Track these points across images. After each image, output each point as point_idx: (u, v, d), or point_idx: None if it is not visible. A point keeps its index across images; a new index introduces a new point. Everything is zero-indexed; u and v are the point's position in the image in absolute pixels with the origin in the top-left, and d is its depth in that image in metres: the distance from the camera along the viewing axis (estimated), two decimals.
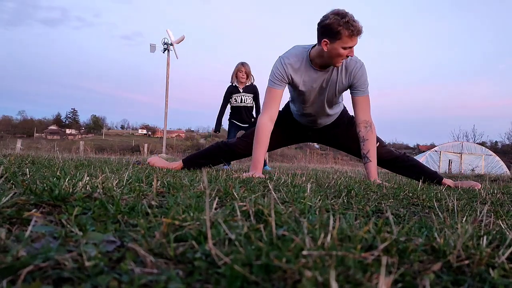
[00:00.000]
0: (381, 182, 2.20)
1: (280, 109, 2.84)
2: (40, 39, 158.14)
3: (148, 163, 2.79)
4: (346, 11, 2.22)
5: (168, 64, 20.47)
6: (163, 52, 20.46)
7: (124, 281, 0.45)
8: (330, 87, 2.48)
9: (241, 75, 4.59)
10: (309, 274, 0.43)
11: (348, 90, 2.52)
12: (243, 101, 4.66)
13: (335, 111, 2.71)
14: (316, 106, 2.58)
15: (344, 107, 2.82)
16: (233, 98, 4.66)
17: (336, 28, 2.18)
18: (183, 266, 0.52)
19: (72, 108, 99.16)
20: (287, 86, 2.57)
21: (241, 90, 4.65)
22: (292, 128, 2.85)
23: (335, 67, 2.41)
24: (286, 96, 2.77)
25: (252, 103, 4.70)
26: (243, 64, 4.63)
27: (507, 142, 31.91)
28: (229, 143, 2.72)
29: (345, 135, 2.78)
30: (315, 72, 2.43)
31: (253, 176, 2.05)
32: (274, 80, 2.44)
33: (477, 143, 21.61)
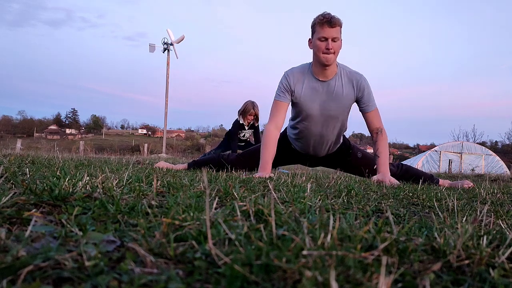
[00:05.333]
0: (394, 182, 2.26)
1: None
2: (43, 39, 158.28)
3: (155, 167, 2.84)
4: (329, 12, 2.37)
5: (168, 63, 20.47)
6: (163, 52, 20.46)
7: (124, 281, 0.45)
8: (335, 100, 2.52)
9: (251, 118, 4.96)
10: (309, 274, 0.43)
11: (357, 108, 2.63)
12: (245, 136, 5.12)
13: (338, 138, 2.72)
14: (321, 124, 2.60)
15: (345, 139, 2.86)
16: (240, 131, 5.05)
17: (313, 23, 2.40)
18: (183, 266, 0.52)
19: (72, 108, 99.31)
20: (292, 109, 2.66)
21: (246, 128, 5.05)
22: (290, 155, 2.91)
23: (335, 77, 2.49)
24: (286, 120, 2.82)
25: (251, 135, 5.19)
26: (253, 107, 4.91)
27: (507, 142, 31.91)
28: (229, 159, 2.81)
29: (342, 163, 2.85)
30: (317, 81, 2.51)
31: (265, 176, 2.09)
32: (279, 92, 2.58)
33: (477, 143, 21.59)
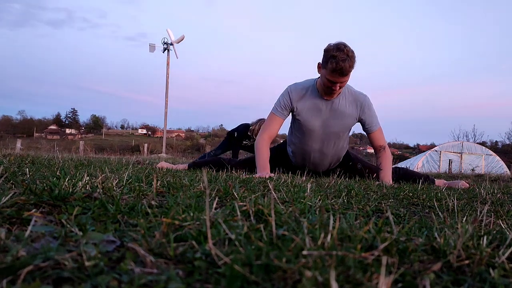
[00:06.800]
0: (393, 184, 2.30)
1: (278, 144, 3.00)
2: (44, 40, 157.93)
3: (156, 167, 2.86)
4: (349, 49, 2.26)
5: (168, 63, 20.47)
6: (163, 52, 20.46)
7: (124, 281, 0.45)
8: (338, 118, 2.54)
9: None
10: (309, 274, 0.43)
11: (361, 127, 2.68)
12: (248, 144, 5.28)
13: (339, 155, 2.73)
14: (321, 141, 2.60)
15: (347, 153, 2.87)
16: (245, 140, 5.23)
17: (327, 56, 2.29)
18: (183, 266, 0.52)
19: (72, 108, 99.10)
20: (292, 123, 2.67)
21: (254, 138, 5.18)
22: (289, 168, 2.92)
23: (340, 96, 2.50)
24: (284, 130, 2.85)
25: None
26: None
27: (507, 142, 31.86)
28: (231, 163, 2.84)
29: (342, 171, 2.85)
30: (321, 99, 2.51)
31: (265, 176, 2.11)
32: (278, 107, 2.59)
33: (477, 143, 21.57)
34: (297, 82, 2.63)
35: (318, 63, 2.41)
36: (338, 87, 2.33)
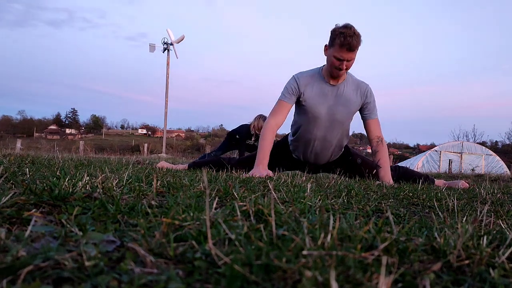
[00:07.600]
0: (394, 183, 2.31)
1: (279, 139, 3.01)
2: (44, 40, 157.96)
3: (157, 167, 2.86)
4: (355, 28, 2.33)
5: (168, 63, 20.46)
6: (163, 52, 20.46)
7: (124, 281, 0.45)
8: (343, 104, 2.57)
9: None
10: (309, 274, 0.43)
11: (359, 115, 2.70)
12: (251, 143, 5.40)
13: (340, 146, 2.75)
14: (325, 128, 2.62)
15: (347, 148, 2.88)
16: (248, 140, 5.36)
17: (333, 35, 2.36)
18: (183, 266, 0.52)
19: (72, 108, 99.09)
20: (297, 111, 2.69)
21: (253, 138, 5.35)
22: (290, 163, 2.93)
23: (344, 83, 2.55)
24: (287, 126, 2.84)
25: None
26: (263, 120, 5.19)
27: (507, 142, 31.87)
28: (231, 163, 2.85)
29: (342, 168, 2.85)
30: (326, 84, 2.56)
31: (259, 173, 2.14)
32: (285, 93, 2.61)
33: (477, 143, 21.56)
34: (301, 71, 2.66)
35: (325, 45, 2.48)
36: (344, 66, 2.38)
